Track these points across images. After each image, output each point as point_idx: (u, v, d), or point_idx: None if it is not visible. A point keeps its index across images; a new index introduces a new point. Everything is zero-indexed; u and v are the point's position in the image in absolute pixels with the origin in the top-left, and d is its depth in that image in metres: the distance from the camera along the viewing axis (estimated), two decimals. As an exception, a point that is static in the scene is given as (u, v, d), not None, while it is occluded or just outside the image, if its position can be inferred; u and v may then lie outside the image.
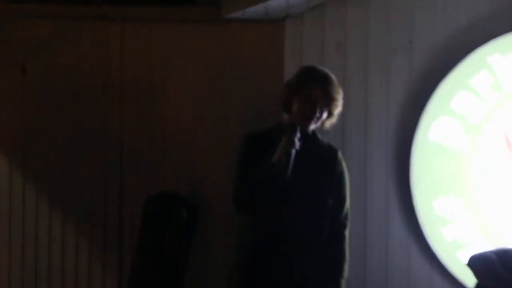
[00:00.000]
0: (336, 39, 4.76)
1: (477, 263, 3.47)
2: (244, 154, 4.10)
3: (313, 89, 4.04)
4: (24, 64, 5.12)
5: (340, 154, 4.21)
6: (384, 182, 4.73)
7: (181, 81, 5.04)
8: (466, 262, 3.53)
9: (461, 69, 4.68)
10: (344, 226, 4.17)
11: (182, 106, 5.04)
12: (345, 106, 4.27)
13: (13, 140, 5.16)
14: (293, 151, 3.88)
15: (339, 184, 4.17)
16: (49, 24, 5.12)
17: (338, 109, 4.11)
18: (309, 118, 4.05)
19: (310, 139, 4.10)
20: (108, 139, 5.11)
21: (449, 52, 4.71)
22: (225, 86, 4.93)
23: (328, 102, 4.05)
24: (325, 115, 4.07)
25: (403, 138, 4.72)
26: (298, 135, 3.88)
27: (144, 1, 5.00)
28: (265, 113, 4.71)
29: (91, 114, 5.12)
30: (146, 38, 5.06)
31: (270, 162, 3.89)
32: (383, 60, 4.76)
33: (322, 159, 4.13)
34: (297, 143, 3.87)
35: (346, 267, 4.14)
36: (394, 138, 4.75)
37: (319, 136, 4.18)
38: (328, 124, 4.16)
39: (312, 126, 4.09)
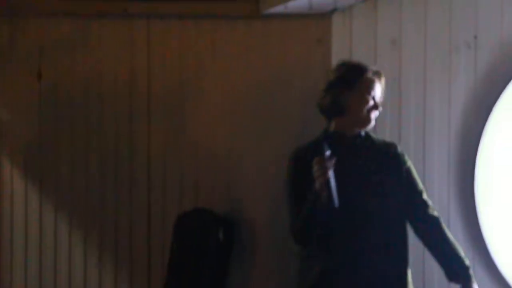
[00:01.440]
0: (389, 35, 4.54)
1: None
2: (292, 181, 3.88)
3: (373, 81, 3.85)
4: (41, 67, 4.97)
5: (399, 148, 3.97)
6: (445, 196, 4.49)
7: (216, 86, 4.84)
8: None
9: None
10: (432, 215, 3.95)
11: (217, 114, 4.85)
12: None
13: (29, 151, 5.01)
14: (331, 177, 3.57)
15: (410, 180, 3.92)
16: (67, 23, 4.95)
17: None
18: (371, 113, 3.83)
19: (365, 140, 3.89)
20: (134, 150, 4.93)
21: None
22: (266, 90, 4.75)
23: (380, 93, 3.89)
24: (381, 108, 3.89)
25: (467, 148, 4.46)
26: (328, 153, 3.58)
27: None
28: (311, 119, 4.50)
29: (115, 123, 4.94)
30: (176, 37, 4.87)
31: (312, 197, 3.65)
32: (443, 58, 4.47)
33: (385, 160, 3.89)
34: (330, 165, 3.56)
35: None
36: (457, 145, 4.47)
37: (372, 134, 3.96)
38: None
39: (373, 122, 3.88)
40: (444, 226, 3.95)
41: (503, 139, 4.41)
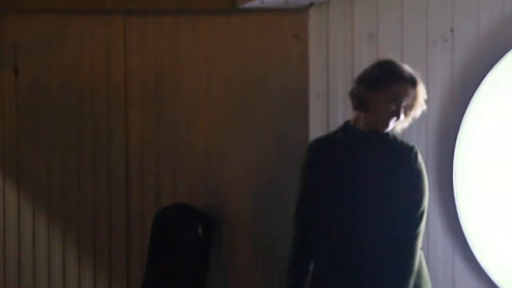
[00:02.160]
0: (367, 29, 4.49)
1: None
2: (304, 169, 3.92)
3: (403, 88, 3.76)
4: (17, 63, 4.95)
5: (416, 152, 3.86)
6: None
7: (193, 81, 4.78)
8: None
9: (508, 61, 4.38)
10: (414, 236, 3.77)
11: (194, 109, 4.78)
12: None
13: (6, 148, 5.01)
14: None
15: (414, 184, 3.81)
16: (44, 19, 4.93)
17: (417, 114, 3.84)
18: (392, 118, 3.76)
19: (381, 138, 3.82)
20: (111, 145, 4.90)
21: (494, 42, 4.41)
22: (243, 85, 4.67)
23: (412, 103, 3.78)
24: (403, 116, 3.79)
25: (444, 140, 4.46)
26: None
27: None
28: (290, 114, 4.55)
29: (92, 119, 4.92)
30: (152, 32, 4.82)
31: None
32: (420, 52, 4.46)
33: (398, 160, 3.81)
34: None
35: (410, 282, 3.76)
36: (434, 140, 4.48)
37: (391, 133, 3.87)
38: (400, 127, 3.88)
39: (391, 126, 3.80)
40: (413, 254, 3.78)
41: (480, 132, 4.41)
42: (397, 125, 3.83)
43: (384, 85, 3.73)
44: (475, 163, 4.42)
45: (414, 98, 3.76)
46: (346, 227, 3.73)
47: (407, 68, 3.81)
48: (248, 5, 4.47)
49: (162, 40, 4.78)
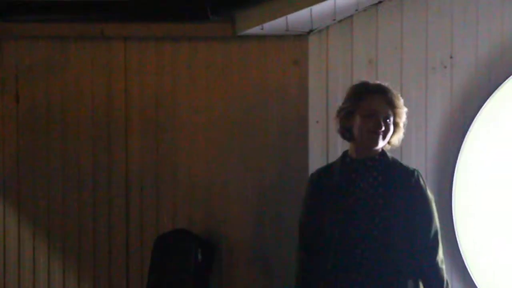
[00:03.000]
0: (366, 56, 4.51)
1: None
2: (306, 197, 3.92)
3: (371, 100, 3.72)
4: (18, 90, 4.92)
5: (417, 176, 3.81)
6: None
7: (193, 107, 4.77)
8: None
9: (507, 87, 4.39)
10: (436, 264, 3.74)
11: (194, 135, 4.77)
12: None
13: (7, 174, 4.96)
14: None
15: (422, 211, 3.75)
16: (44, 45, 4.92)
17: (403, 117, 3.79)
18: (376, 133, 3.71)
19: (378, 163, 3.78)
20: (112, 171, 4.87)
21: (493, 69, 4.41)
22: (243, 111, 4.67)
23: (391, 111, 3.73)
24: (391, 126, 3.74)
25: (444, 167, 4.46)
26: None
27: (150, 17, 4.72)
28: (289, 140, 4.56)
29: (92, 145, 4.88)
30: (153, 59, 4.80)
31: None
32: (419, 78, 4.47)
33: (396, 186, 3.76)
34: None
35: None
36: (434, 166, 4.47)
37: (390, 155, 3.83)
38: (396, 139, 3.83)
39: (382, 143, 3.75)
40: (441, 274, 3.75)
41: (479, 158, 4.40)
42: (392, 139, 3.78)
43: (356, 104, 3.72)
44: (474, 189, 4.42)
45: (392, 105, 3.71)
46: (345, 255, 3.70)
47: (376, 82, 3.79)
48: (248, 31, 4.48)
49: (162, 67, 4.75)
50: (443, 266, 3.74)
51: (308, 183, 3.92)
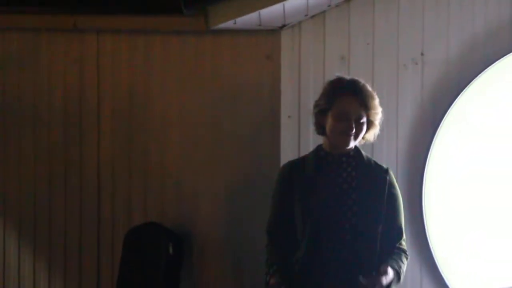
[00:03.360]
0: (338, 52, 4.52)
1: None
2: (275, 190, 3.90)
3: (343, 101, 3.70)
4: (-11, 82, 4.91)
5: (391, 174, 3.86)
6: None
7: (166, 100, 4.75)
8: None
9: (477, 85, 4.42)
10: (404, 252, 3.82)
11: (166, 128, 4.75)
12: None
13: None
14: None
15: (390, 209, 3.78)
16: (16, 37, 4.90)
17: (378, 116, 3.77)
18: (348, 135, 3.71)
19: (352, 159, 3.79)
20: (83, 166, 4.86)
21: (464, 66, 4.45)
22: (215, 105, 4.66)
23: (364, 112, 3.71)
24: (364, 127, 3.73)
25: (414, 162, 4.49)
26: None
27: (123, 10, 4.67)
28: (261, 134, 4.55)
29: (64, 138, 4.87)
30: (126, 52, 4.78)
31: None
32: (391, 75, 4.49)
33: (369, 182, 3.78)
34: None
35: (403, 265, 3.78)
36: (405, 162, 4.51)
37: (364, 154, 3.85)
38: (371, 135, 3.82)
39: (353, 143, 3.76)
40: (404, 258, 3.79)
41: (450, 154, 4.44)
42: (367, 135, 3.78)
43: (329, 104, 3.71)
44: (444, 185, 4.45)
45: (365, 107, 3.69)
46: (317, 248, 3.70)
47: (350, 79, 3.76)
48: (221, 26, 4.45)
49: (134, 60, 4.73)
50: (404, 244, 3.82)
51: (279, 173, 3.90)
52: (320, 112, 3.76)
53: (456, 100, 4.40)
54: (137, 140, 4.75)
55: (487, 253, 4.45)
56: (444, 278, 4.44)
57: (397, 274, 3.68)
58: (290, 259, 3.74)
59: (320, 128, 3.80)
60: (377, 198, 3.75)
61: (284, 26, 4.48)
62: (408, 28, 4.46)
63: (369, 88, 3.74)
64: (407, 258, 3.80)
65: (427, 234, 4.43)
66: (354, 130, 3.68)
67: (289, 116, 4.48)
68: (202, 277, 4.70)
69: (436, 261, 4.45)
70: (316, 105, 3.80)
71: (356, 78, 3.78)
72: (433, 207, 4.45)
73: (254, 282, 4.53)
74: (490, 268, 4.45)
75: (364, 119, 3.70)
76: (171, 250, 4.56)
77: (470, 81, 4.39)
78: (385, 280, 3.61)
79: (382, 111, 3.76)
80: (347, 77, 3.81)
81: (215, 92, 4.63)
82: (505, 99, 4.43)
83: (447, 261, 4.46)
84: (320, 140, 3.87)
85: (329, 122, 3.72)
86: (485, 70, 4.39)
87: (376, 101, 3.73)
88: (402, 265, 3.74)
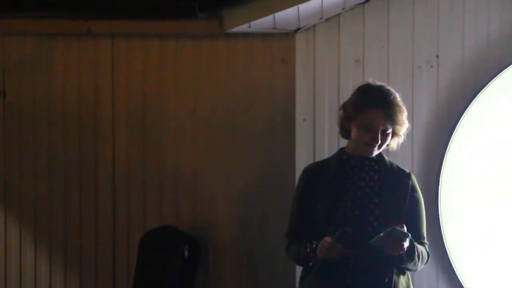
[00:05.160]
0: (353, 55, 4.51)
1: None
2: (298, 192, 3.87)
3: (372, 114, 3.67)
4: (5, 86, 4.89)
5: (413, 178, 3.84)
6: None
7: (180, 104, 4.72)
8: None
9: (493, 87, 4.41)
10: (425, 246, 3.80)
11: (181, 132, 4.73)
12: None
13: None
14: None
15: (412, 214, 3.77)
16: (31, 42, 4.88)
17: (404, 129, 3.75)
18: (371, 146, 3.71)
19: (375, 163, 3.79)
20: (98, 168, 4.84)
21: (479, 68, 4.44)
22: (230, 108, 4.64)
23: (390, 125, 3.69)
24: (389, 138, 3.73)
25: (430, 165, 4.48)
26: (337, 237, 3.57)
27: (137, 14, 4.67)
28: (276, 137, 4.54)
29: (79, 141, 4.85)
30: (140, 56, 4.76)
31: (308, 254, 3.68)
32: (406, 77, 4.48)
33: (391, 186, 3.77)
34: (335, 253, 3.56)
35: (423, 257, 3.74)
36: (420, 166, 4.50)
37: (386, 158, 3.84)
38: (395, 144, 3.81)
39: (376, 152, 3.76)
40: (424, 249, 3.75)
41: (465, 156, 4.43)
42: (391, 144, 3.76)
43: (355, 114, 3.69)
44: (460, 187, 4.44)
45: (392, 121, 3.66)
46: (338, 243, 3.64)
47: (382, 88, 3.72)
48: (235, 29, 4.45)
49: (149, 64, 4.71)
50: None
51: (301, 175, 3.87)
52: (346, 117, 3.75)
53: (472, 103, 4.39)
54: (152, 144, 4.74)
55: (503, 254, 4.44)
56: (460, 279, 4.44)
57: (412, 251, 3.63)
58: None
59: (345, 132, 3.79)
60: (399, 202, 3.73)
61: (298, 29, 4.47)
62: (423, 31, 4.44)
63: (399, 99, 3.69)
64: (428, 253, 3.77)
65: (443, 236, 4.42)
66: (379, 142, 3.67)
67: (304, 119, 4.47)
68: (217, 280, 4.69)
69: (452, 263, 4.44)
70: (344, 110, 3.78)
71: (386, 87, 3.72)
72: (449, 209, 4.44)
73: (269, 284, 4.54)
74: (507, 268, 4.44)
75: (390, 131, 3.68)
76: (186, 253, 4.55)
77: (486, 83, 4.38)
78: (395, 244, 3.52)
79: (407, 123, 3.73)
80: (377, 85, 3.75)
81: (229, 96, 4.62)
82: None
83: (463, 262, 4.46)
84: (334, 143, 3.87)
85: (354, 129, 3.71)
86: (501, 72, 4.37)
87: (405, 115, 3.70)
88: (421, 248, 3.71)
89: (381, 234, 3.47)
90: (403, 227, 3.50)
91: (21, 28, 4.78)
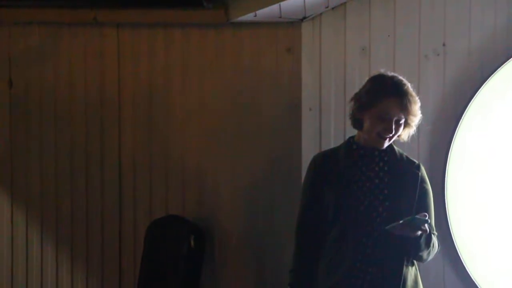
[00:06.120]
0: (359, 43, 4.48)
1: None
2: (306, 182, 3.85)
3: (387, 103, 3.66)
4: (11, 75, 4.89)
5: (422, 169, 3.84)
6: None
7: (186, 93, 4.73)
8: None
9: (500, 75, 4.36)
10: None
11: (187, 121, 4.74)
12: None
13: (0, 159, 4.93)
14: None
15: (421, 205, 3.74)
16: (37, 31, 4.88)
17: (416, 120, 3.74)
18: (384, 137, 3.70)
19: (385, 154, 3.78)
20: (105, 157, 4.85)
21: (486, 57, 4.40)
22: (235, 97, 4.65)
23: (403, 115, 3.68)
24: (401, 129, 3.72)
25: (436, 153, 4.45)
26: None
27: (143, 3, 4.66)
28: (282, 127, 4.54)
29: (85, 131, 4.85)
30: (146, 45, 4.77)
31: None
32: (412, 66, 4.45)
33: (401, 177, 3.76)
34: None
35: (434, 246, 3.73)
36: (426, 152, 4.47)
37: (396, 148, 3.84)
38: (406, 135, 3.80)
39: (389, 143, 3.76)
40: (435, 239, 3.74)
41: (472, 145, 4.40)
42: (403, 135, 3.76)
43: (369, 104, 3.67)
44: (467, 176, 4.42)
45: (406, 111, 3.66)
46: (347, 234, 3.68)
47: (395, 80, 3.71)
48: (241, 18, 4.45)
49: (154, 53, 4.72)
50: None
51: (310, 165, 3.85)
52: (359, 107, 3.73)
53: (479, 91, 4.36)
54: (158, 133, 4.74)
55: (510, 245, 4.41)
56: (468, 270, 4.42)
57: (430, 238, 3.64)
58: (318, 252, 3.73)
59: (357, 123, 3.77)
60: (409, 193, 3.72)
61: (304, 18, 4.46)
62: (429, 19, 4.41)
63: (411, 90, 3.68)
64: (439, 244, 3.77)
65: (450, 227, 4.40)
66: (393, 132, 3.67)
67: (310, 109, 4.47)
68: (223, 270, 4.70)
69: (460, 254, 4.42)
70: (356, 100, 3.76)
71: (399, 77, 3.72)
72: (455, 198, 4.42)
73: (275, 275, 4.54)
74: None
75: (403, 121, 3.67)
76: (193, 243, 4.56)
77: (493, 71, 4.34)
78: (410, 230, 3.53)
79: (419, 114, 3.72)
80: (390, 75, 3.74)
81: (235, 85, 4.61)
82: (528, 90, 4.39)
83: (470, 253, 4.43)
84: (340, 132, 3.85)
85: (367, 119, 3.69)
86: (508, 61, 4.33)
87: (418, 105, 3.69)
88: (434, 238, 3.70)
89: (400, 221, 3.47)
90: (425, 216, 3.49)
91: (27, 18, 4.78)
